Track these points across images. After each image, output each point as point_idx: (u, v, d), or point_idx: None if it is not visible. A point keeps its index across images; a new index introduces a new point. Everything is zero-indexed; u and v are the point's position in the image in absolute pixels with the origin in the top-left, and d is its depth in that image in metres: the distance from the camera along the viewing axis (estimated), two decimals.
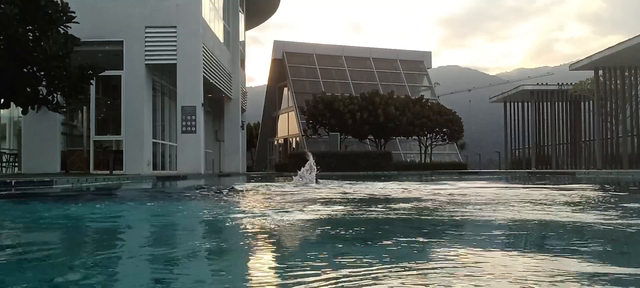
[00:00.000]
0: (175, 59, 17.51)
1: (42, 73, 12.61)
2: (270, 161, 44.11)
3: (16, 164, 17.75)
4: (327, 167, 22.62)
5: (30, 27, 12.12)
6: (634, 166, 24.69)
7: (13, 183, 9.50)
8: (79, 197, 7.82)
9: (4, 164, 17.04)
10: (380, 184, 11.21)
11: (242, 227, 3.66)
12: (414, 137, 33.56)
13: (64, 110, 14.91)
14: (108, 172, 14.92)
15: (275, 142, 44.52)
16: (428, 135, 33.15)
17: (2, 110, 15.10)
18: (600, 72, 27.41)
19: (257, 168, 41.21)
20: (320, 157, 25.39)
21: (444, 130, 33.22)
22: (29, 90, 12.60)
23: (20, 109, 13.88)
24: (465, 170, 31.11)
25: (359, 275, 1.92)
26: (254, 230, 3.47)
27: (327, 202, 5.79)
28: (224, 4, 23.59)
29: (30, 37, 12.12)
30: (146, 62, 17.27)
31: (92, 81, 14.29)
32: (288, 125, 41.61)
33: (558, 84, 34.23)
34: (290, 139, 41.36)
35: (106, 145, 17.88)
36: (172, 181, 13.82)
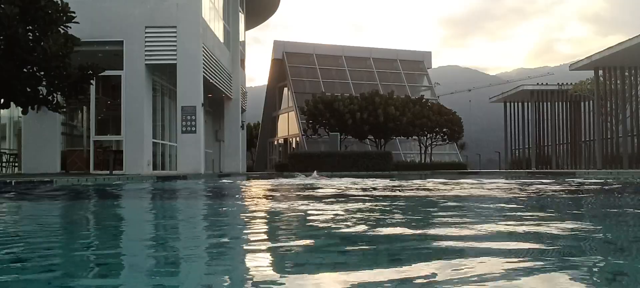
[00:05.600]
0: (175, 59, 17.50)
1: (42, 73, 12.61)
2: (270, 161, 44.09)
3: (16, 164, 17.76)
4: (327, 167, 22.64)
5: (30, 27, 12.13)
6: (634, 166, 24.69)
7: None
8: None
9: (4, 164, 17.04)
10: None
11: None
12: (414, 137, 33.53)
13: (64, 110, 14.92)
14: (108, 172, 14.92)
15: (275, 142, 44.50)
16: (428, 135, 33.12)
17: (2, 110, 15.11)
18: (600, 72, 27.40)
19: (257, 169, 41.19)
20: (320, 157, 25.47)
21: (444, 130, 33.19)
22: (29, 90, 12.61)
23: (20, 109, 13.88)
24: (465, 170, 31.10)
25: None
26: None
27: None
28: (224, 4, 23.59)
29: (30, 37, 12.12)
30: (146, 62, 17.27)
31: (92, 81, 14.29)
32: (288, 125, 41.58)
33: (558, 84, 34.19)
34: (290, 139, 41.34)
35: (106, 145, 17.88)
36: (174, 181, 13.82)
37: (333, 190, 8.54)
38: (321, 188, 9.21)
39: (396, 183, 11.55)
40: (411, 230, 3.30)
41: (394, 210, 4.85)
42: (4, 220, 4.69)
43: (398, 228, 3.47)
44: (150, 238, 3.36)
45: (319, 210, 4.87)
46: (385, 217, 4.22)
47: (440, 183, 10.91)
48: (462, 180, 12.55)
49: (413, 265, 2.24)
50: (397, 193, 7.75)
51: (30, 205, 6.37)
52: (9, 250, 2.79)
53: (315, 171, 18.76)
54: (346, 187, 9.28)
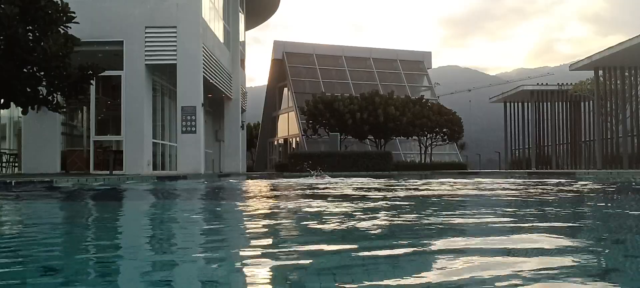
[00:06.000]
0: (175, 59, 17.49)
1: (42, 73, 12.61)
2: (270, 161, 44.09)
3: (16, 164, 17.75)
4: (327, 167, 22.62)
5: (30, 27, 12.13)
6: (634, 166, 24.68)
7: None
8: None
9: (4, 164, 17.04)
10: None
11: None
12: (414, 137, 33.51)
13: (64, 110, 14.92)
14: (108, 172, 14.92)
15: (275, 142, 44.50)
16: (428, 135, 33.11)
17: (2, 110, 15.11)
18: (600, 72, 27.40)
19: (257, 169, 41.17)
20: (320, 157, 25.45)
21: (444, 130, 33.17)
22: (29, 90, 12.61)
23: (20, 109, 13.88)
24: (465, 170, 31.09)
25: None
26: None
27: None
28: (224, 4, 23.58)
29: (30, 37, 12.12)
30: (146, 62, 17.26)
31: (92, 81, 14.29)
32: (288, 125, 41.57)
33: (558, 84, 34.20)
34: (290, 139, 41.33)
35: (106, 146, 17.87)
36: (174, 181, 13.82)
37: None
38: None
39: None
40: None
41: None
42: (6, 220, 4.69)
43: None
44: (148, 242, 3.35)
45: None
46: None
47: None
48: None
49: None
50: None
51: (29, 206, 6.37)
52: (10, 252, 2.79)
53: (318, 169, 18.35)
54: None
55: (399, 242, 3.02)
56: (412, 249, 2.69)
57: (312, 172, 17.42)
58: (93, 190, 9.40)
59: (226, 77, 22.81)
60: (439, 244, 2.87)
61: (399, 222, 3.88)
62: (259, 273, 2.17)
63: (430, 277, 2.03)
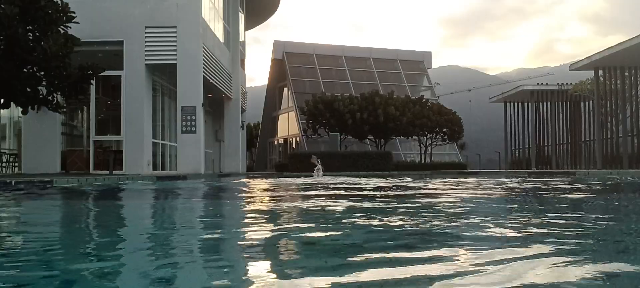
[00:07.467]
0: (175, 59, 17.49)
1: (42, 73, 12.61)
2: (270, 161, 44.09)
3: (16, 164, 17.75)
4: (327, 167, 22.63)
5: (30, 27, 12.13)
6: (634, 166, 24.69)
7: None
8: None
9: (4, 164, 17.04)
10: None
11: None
12: (414, 137, 33.50)
13: (64, 110, 14.92)
14: (108, 172, 14.92)
15: (275, 142, 44.49)
16: (428, 135, 33.10)
17: (2, 110, 15.11)
18: (600, 72, 27.41)
19: (257, 169, 41.18)
20: (320, 157, 25.42)
21: (444, 130, 33.16)
22: (29, 90, 12.61)
23: (20, 109, 13.88)
24: (465, 170, 31.09)
25: None
26: None
27: None
28: (224, 4, 23.58)
29: (30, 37, 12.12)
30: (146, 62, 17.26)
31: (92, 81, 14.29)
32: (288, 125, 41.56)
33: (558, 84, 34.23)
34: (290, 139, 41.32)
35: (106, 146, 17.87)
36: (174, 181, 13.82)
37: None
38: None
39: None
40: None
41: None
42: (6, 221, 4.69)
43: None
44: (148, 242, 3.35)
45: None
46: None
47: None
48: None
49: None
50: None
51: (30, 206, 6.37)
52: (10, 252, 2.79)
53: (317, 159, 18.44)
54: None
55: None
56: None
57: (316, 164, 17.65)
58: (84, 190, 9.40)
59: (226, 77, 22.81)
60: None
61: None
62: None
63: None
